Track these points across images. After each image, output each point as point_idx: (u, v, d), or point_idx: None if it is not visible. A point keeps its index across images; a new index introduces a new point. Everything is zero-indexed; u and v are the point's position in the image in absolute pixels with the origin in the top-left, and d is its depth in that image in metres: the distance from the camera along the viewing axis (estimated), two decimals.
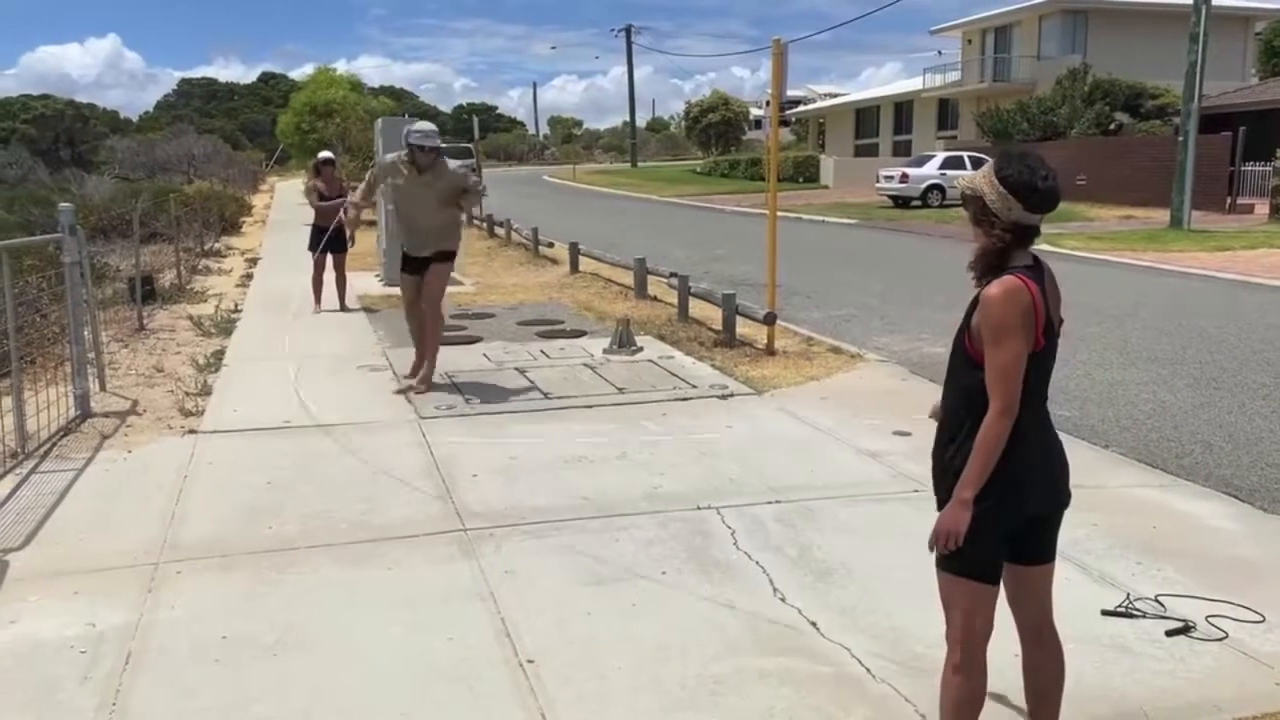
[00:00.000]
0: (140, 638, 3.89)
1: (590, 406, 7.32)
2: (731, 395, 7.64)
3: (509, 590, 4.27)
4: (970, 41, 44.80)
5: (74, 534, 4.96)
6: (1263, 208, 24.07)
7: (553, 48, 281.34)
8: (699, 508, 5.21)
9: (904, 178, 30.91)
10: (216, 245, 20.35)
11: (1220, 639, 3.81)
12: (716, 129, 62.66)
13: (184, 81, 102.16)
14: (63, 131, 67.33)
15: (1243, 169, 26.26)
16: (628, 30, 64.45)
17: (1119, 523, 4.97)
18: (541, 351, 9.32)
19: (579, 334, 10.35)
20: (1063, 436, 2.89)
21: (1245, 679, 3.55)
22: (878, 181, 32.20)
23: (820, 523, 5.02)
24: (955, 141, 40.69)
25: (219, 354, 9.34)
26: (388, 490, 5.55)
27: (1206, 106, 23.87)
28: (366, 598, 4.23)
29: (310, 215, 12.41)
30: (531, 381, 8.06)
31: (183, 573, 4.49)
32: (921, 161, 32.28)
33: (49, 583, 4.38)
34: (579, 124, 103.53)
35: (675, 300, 11.24)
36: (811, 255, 17.62)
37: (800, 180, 43.14)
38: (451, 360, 8.79)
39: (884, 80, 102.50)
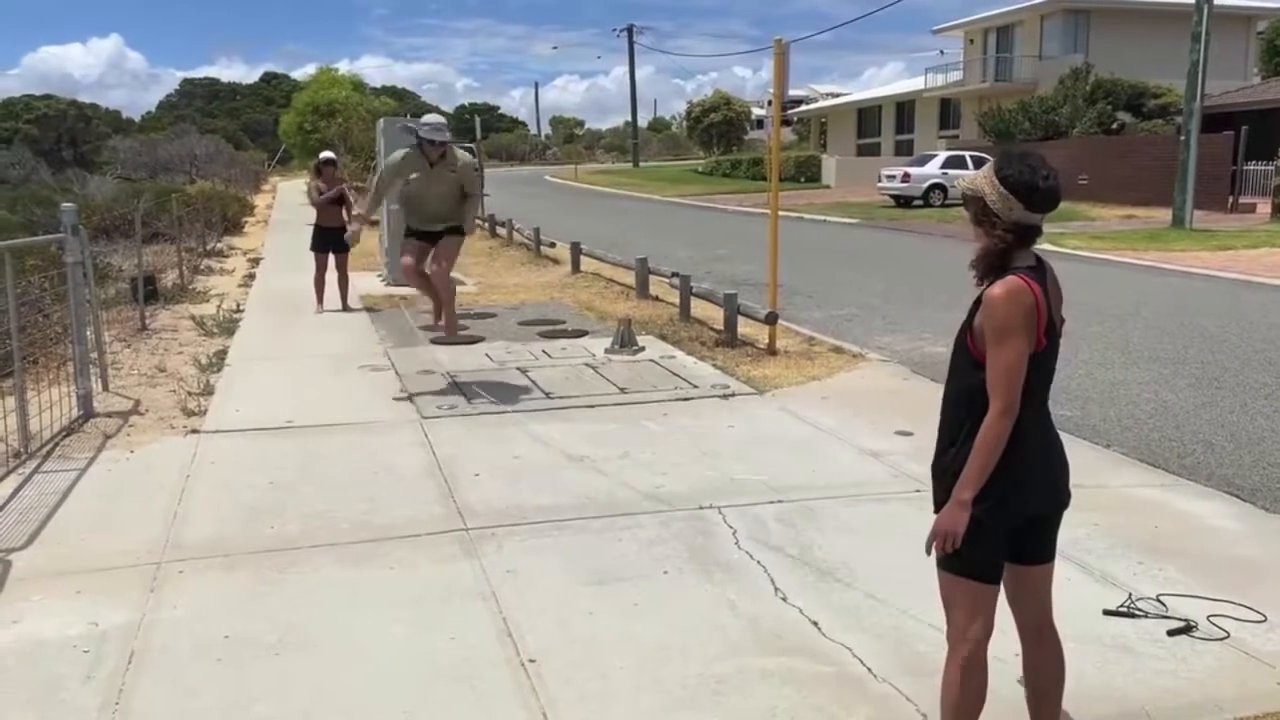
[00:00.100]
0: (143, 637, 3.89)
1: (592, 406, 7.32)
2: (733, 395, 7.64)
3: (511, 590, 4.28)
4: (972, 41, 44.76)
5: (77, 533, 4.97)
6: (1265, 207, 24.06)
7: (554, 48, 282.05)
8: (701, 507, 5.21)
9: (906, 177, 30.93)
10: (219, 245, 20.35)
11: (1222, 639, 3.81)
12: (718, 129, 62.69)
13: (186, 81, 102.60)
14: (65, 132, 67.49)
15: (1245, 168, 26.25)
16: (629, 30, 64.60)
17: (1120, 522, 4.97)
18: (543, 351, 9.32)
19: (581, 334, 10.35)
20: (1064, 436, 2.89)
21: (1247, 679, 3.55)
22: (879, 181, 32.23)
23: (822, 522, 5.02)
24: (957, 141, 40.65)
25: (221, 354, 9.35)
26: (389, 490, 5.55)
27: (1208, 106, 23.88)
28: (368, 597, 4.24)
29: (312, 215, 12.43)
30: (533, 381, 8.06)
31: (185, 572, 4.49)
32: (923, 161, 32.28)
33: (52, 582, 4.39)
34: (581, 124, 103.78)
35: (677, 300, 11.24)
36: (813, 255, 17.61)
37: (802, 180, 43.17)
38: (453, 360, 8.81)
39: (886, 80, 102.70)
